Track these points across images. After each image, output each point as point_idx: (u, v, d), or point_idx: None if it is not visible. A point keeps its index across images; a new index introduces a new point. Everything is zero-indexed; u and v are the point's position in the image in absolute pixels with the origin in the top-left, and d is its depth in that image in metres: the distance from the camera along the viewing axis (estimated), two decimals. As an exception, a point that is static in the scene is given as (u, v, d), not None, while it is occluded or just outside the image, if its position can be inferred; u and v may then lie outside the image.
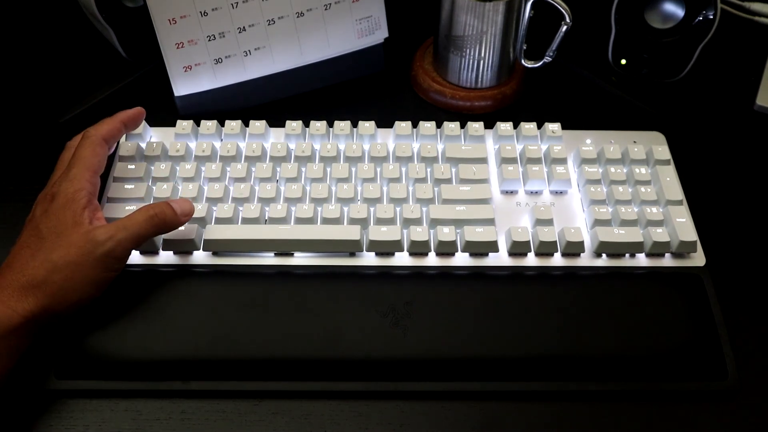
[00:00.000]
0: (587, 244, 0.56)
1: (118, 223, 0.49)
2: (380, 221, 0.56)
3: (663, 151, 0.60)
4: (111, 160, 0.58)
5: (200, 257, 0.55)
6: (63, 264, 0.47)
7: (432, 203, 0.57)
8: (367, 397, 0.49)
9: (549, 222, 0.56)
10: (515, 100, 0.70)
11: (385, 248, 0.55)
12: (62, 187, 0.50)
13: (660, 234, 0.55)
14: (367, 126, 0.62)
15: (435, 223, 0.56)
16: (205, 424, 0.48)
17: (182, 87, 0.64)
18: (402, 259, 0.55)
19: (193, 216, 0.54)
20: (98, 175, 0.52)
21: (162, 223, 0.51)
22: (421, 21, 0.73)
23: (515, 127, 0.62)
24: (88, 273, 0.48)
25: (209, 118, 0.62)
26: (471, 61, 0.66)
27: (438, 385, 0.49)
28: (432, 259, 0.55)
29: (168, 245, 0.54)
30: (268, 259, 0.55)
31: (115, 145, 0.58)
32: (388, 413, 0.49)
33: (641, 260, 0.56)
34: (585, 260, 0.55)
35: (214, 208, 0.56)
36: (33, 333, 0.47)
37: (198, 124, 0.62)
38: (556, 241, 0.55)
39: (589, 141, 0.62)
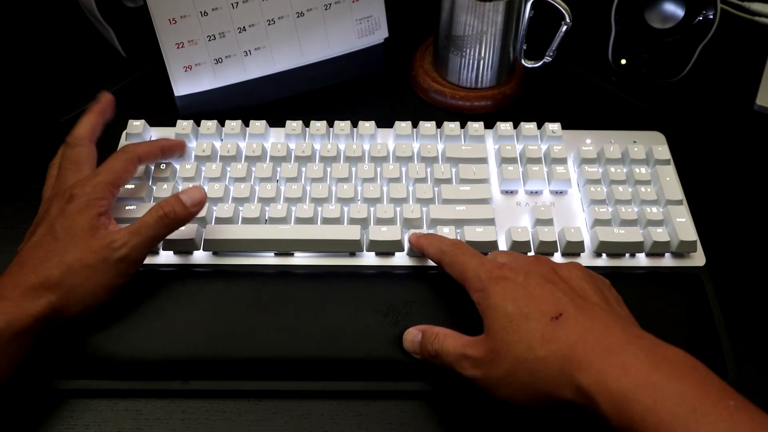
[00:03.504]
0: (587, 244, 0.56)
1: (131, 228, 0.49)
2: (380, 221, 0.56)
3: (663, 151, 0.60)
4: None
5: (200, 257, 0.55)
6: (78, 267, 0.47)
7: (432, 203, 0.57)
8: (367, 397, 0.49)
9: (549, 222, 0.56)
10: (515, 100, 0.70)
11: (385, 248, 0.55)
12: (85, 190, 0.50)
13: (660, 234, 0.55)
14: (367, 126, 0.62)
15: (435, 223, 0.56)
16: (205, 424, 0.48)
17: (182, 87, 0.64)
18: (402, 259, 0.55)
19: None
20: (119, 189, 0.52)
21: (174, 222, 0.50)
22: (421, 21, 0.73)
23: (515, 127, 0.62)
24: (102, 278, 0.48)
25: (209, 118, 0.62)
26: (471, 61, 0.66)
27: (438, 385, 0.49)
28: (432, 259, 0.55)
29: (168, 245, 0.54)
30: (269, 259, 0.55)
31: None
32: (388, 413, 0.49)
33: (641, 260, 0.56)
34: (585, 260, 0.55)
35: (214, 208, 0.56)
36: (39, 335, 0.47)
37: (198, 124, 0.62)
38: (556, 241, 0.55)
39: (589, 141, 0.62)
